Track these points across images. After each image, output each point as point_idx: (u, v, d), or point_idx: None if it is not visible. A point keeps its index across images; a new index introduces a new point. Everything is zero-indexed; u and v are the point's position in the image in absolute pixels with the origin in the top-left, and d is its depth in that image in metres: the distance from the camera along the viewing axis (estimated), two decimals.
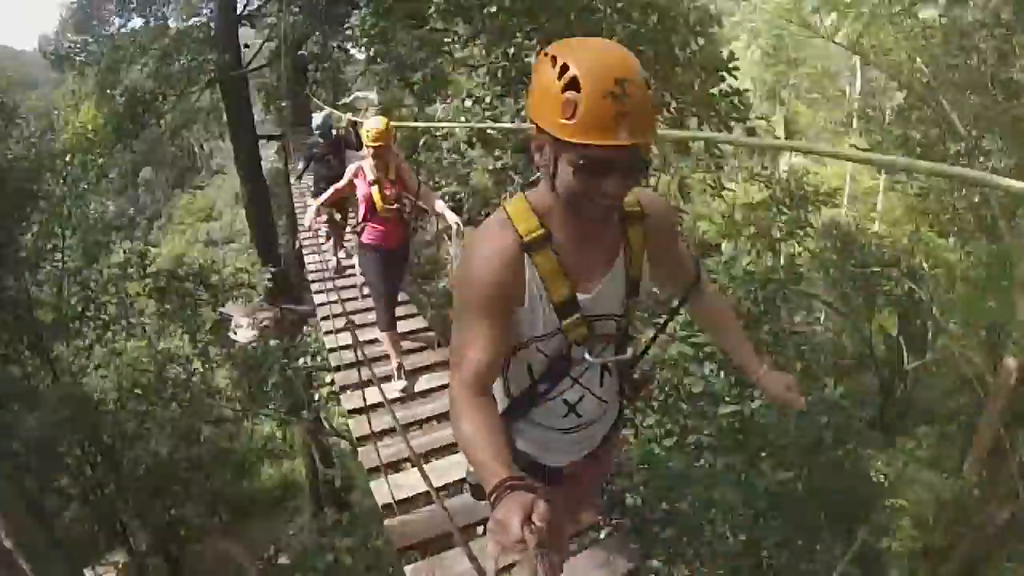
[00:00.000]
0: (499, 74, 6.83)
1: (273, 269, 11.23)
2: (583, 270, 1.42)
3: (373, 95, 14.05)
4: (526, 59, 6.54)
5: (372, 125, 4.38)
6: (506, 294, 1.35)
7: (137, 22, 16.73)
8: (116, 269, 9.14)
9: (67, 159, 9.42)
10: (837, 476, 4.48)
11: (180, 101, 16.50)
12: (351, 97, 9.62)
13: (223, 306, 9.10)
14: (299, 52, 16.49)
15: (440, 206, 4.45)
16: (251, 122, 16.45)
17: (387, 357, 4.97)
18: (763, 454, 4.30)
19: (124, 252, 9.45)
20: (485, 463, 1.19)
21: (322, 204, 4.97)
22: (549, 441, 1.65)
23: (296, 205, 12.03)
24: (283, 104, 16.66)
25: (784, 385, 1.62)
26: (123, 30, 16.57)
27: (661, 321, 1.79)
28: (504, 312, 1.36)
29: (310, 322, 11.77)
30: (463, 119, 6.11)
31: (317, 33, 15.82)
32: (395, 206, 4.48)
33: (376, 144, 4.36)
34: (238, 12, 16.32)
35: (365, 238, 4.61)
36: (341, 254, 7.77)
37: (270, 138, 17.88)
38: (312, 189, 7.77)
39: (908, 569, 9.12)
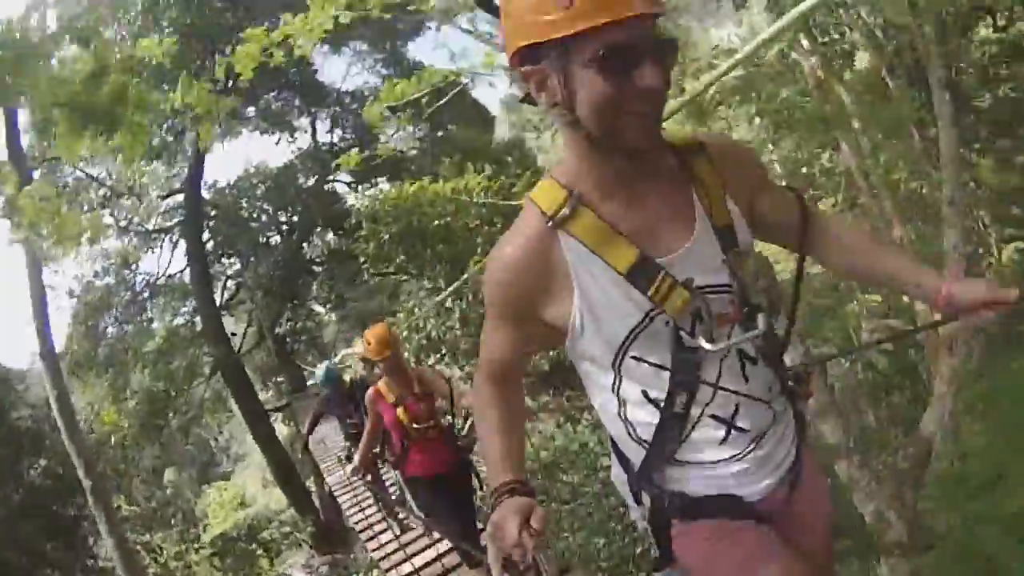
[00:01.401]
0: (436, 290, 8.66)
1: (312, 519, 12.26)
2: (650, 229, 1.14)
3: (359, 347, 15.67)
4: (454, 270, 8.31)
5: (371, 336, 3.63)
6: (527, 294, 1.18)
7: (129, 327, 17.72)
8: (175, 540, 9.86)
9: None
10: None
11: (186, 396, 17.45)
12: (339, 356, 10.50)
13: (277, 556, 10.01)
14: (276, 331, 18.32)
15: None
16: (257, 401, 17.78)
17: None
18: None
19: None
20: (493, 463, 1.21)
21: (361, 461, 4.15)
22: (727, 475, 1.26)
23: (317, 459, 11.74)
24: (279, 380, 18.14)
25: (985, 286, 1.16)
26: (117, 335, 17.58)
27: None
28: (527, 313, 1.20)
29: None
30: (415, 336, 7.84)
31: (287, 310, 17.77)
32: (431, 423, 3.67)
33: (383, 356, 3.61)
34: (217, 305, 17.95)
35: (409, 472, 3.80)
36: (401, 514, 6.09)
37: (276, 410, 19.44)
38: (345, 454, 7.09)
39: None
